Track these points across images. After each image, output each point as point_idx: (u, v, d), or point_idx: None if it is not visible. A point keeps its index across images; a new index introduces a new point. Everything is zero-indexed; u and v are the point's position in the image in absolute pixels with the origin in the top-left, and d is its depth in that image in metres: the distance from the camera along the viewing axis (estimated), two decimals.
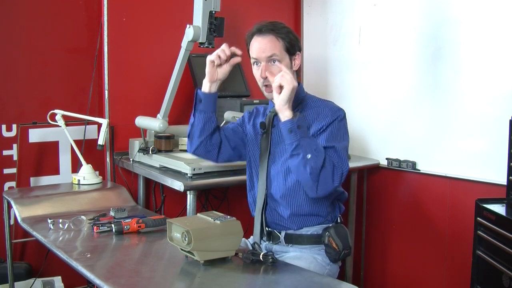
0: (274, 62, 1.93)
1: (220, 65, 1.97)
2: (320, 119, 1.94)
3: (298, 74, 2.07)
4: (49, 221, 2.10)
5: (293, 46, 1.96)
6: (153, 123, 2.69)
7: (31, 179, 2.93)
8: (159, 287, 1.55)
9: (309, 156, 1.78)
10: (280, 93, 1.81)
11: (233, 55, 1.97)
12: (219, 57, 1.95)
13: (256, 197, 2.05)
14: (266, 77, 1.94)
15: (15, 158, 2.87)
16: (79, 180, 2.71)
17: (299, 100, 2.00)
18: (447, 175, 2.75)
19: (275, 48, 1.93)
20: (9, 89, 2.85)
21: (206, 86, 2.00)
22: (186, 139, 2.73)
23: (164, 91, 2.76)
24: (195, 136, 2.04)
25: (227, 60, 1.97)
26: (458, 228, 2.72)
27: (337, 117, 1.94)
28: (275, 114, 2.02)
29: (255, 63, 1.97)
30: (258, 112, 2.16)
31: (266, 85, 1.96)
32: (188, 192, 2.41)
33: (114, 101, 2.97)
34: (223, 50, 1.95)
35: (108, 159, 2.98)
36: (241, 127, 2.14)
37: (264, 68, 1.93)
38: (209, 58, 1.96)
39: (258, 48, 1.94)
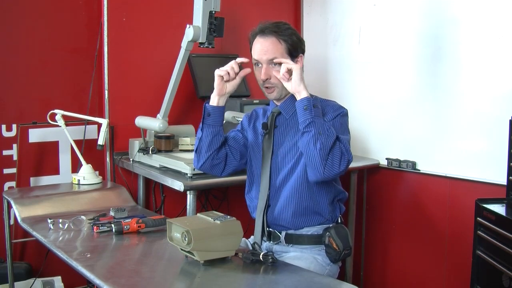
0: (275, 65, 1.92)
1: (228, 80, 1.94)
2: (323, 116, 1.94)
3: None
4: (49, 221, 2.10)
5: (295, 48, 1.95)
6: (153, 123, 2.69)
7: (31, 179, 2.93)
8: (159, 287, 1.55)
9: (320, 132, 1.78)
10: (289, 78, 1.85)
11: (241, 67, 1.95)
12: (228, 73, 1.92)
13: (256, 198, 2.04)
14: (267, 79, 1.94)
15: (15, 158, 2.87)
16: (79, 180, 2.71)
17: None
18: (447, 175, 2.75)
19: (277, 51, 1.92)
20: (9, 89, 2.85)
21: (215, 100, 1.96)
22: (186, 139, 2.77)
23: (164, 91, 2.76)
24: (203, 150, 1.99)
25: (236, 74, 1.95)
26: (458, 228, 2.72)
27: (340, 113, 1.95)
28: (277, 114, 2.02)
29: (257, 64, 1.97)
30: (257, 114, 2.15)
31: (266, 87, 1.96)
32: (188, 192, 2.42)
33: (114, 101, 2.97)
34: (232, 67, 1.92)
35: (108, 159, 2.98)
36: (241, 133, 2.12)
37: (265, 70, 1.93)
38: (218, 73, 1.93)
39: (260, 49, 1.93)
